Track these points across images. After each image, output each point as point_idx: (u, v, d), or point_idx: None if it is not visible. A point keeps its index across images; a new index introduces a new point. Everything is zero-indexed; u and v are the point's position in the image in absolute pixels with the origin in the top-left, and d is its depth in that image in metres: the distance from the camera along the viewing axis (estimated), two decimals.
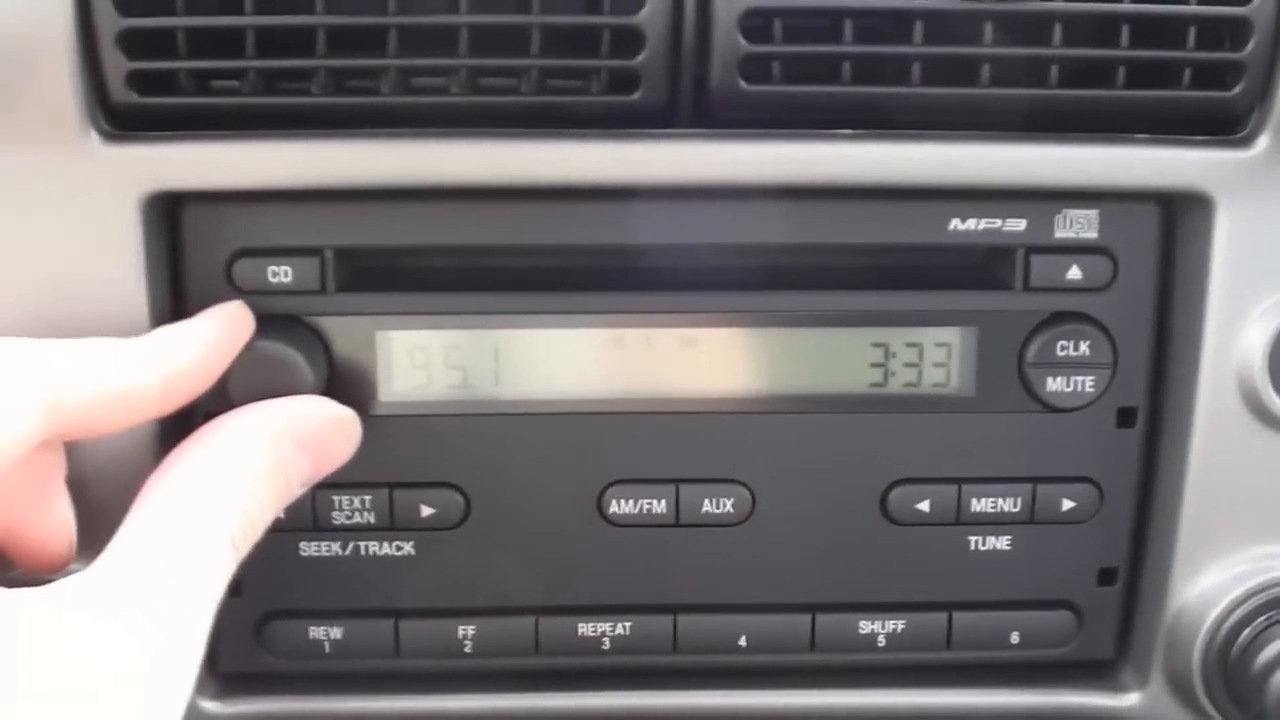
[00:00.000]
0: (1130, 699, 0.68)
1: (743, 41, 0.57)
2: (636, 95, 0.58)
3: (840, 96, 0.59)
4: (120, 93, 0.58)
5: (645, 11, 0.57)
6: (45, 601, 0.46)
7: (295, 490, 0.57)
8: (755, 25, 0.58)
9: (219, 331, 0.58)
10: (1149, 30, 0.59)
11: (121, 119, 0.59)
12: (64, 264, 0.59)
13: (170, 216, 0.61)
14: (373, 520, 0.64)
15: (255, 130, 0.59)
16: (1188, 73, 0.59)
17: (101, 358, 0.53)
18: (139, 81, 0.58)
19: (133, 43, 0.57)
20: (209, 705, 0.66)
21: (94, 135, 0.58)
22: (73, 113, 0.57)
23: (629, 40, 0.58)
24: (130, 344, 0.55)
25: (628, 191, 0.61)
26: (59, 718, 0.43)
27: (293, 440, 0.57)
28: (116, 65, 0.57)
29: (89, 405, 0.52)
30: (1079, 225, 0.63)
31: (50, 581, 0.49)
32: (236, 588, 0.64)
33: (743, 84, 0.58)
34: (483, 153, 0.59)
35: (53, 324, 0.59)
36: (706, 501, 0.64)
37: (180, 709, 0.48)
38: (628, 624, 0.66)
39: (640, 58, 0.57)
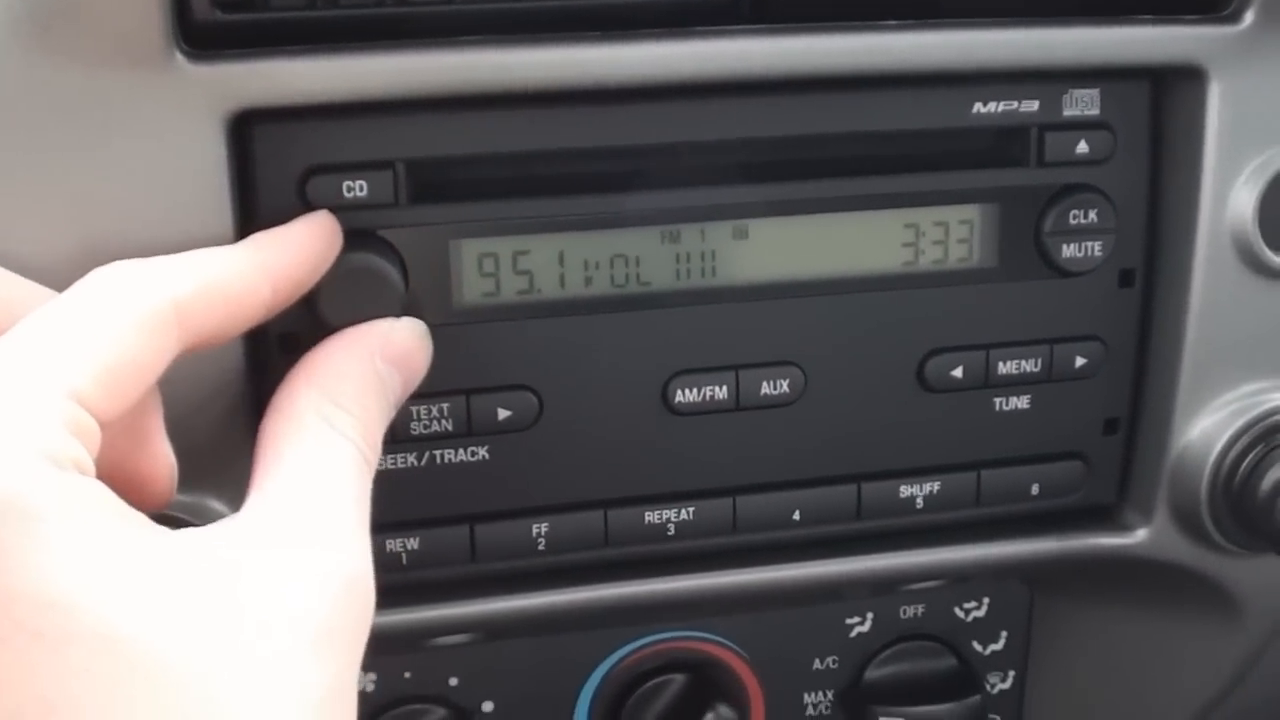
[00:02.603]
0: (1137, 536, 0.74)
1: None
2: None
3: None
4: (204, 10, 0.58)
5: None
6: (237, 543, 0.46)
7: (393, 410, 0.58)
8: None
9: (316, 234, 0.59)
10: None
11: (196, 38, 0.58)
12: (146, 186, 0.58)
13: (240, 136, 0.60)
14: (450, 427, 0.65)
15: (327, 44, 0.60)
16: None
17: (213, 263, 0.53)
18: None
19: None
20: None
21: (178, 56, 0.57)
22: (157, 33, 0.56)
23: None
24: (235, 249, 0.55)
25: (680, 90, 0.64)
26: (279, 649, 0.44)
27: (384, 358, 0.58)
28: None
29: (210, 312, 0.51)
30: (1083, 103, 0.68)
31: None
32: None
33: None
34: (553, 57, 0.61)
35: (137, 245, 0.58)
36: (764, 384, 0.68)
37: (369, 617, 0.49)
38: (691, 509, 0.69)
39: None
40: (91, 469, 0.44)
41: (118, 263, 0.50)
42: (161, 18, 0.56)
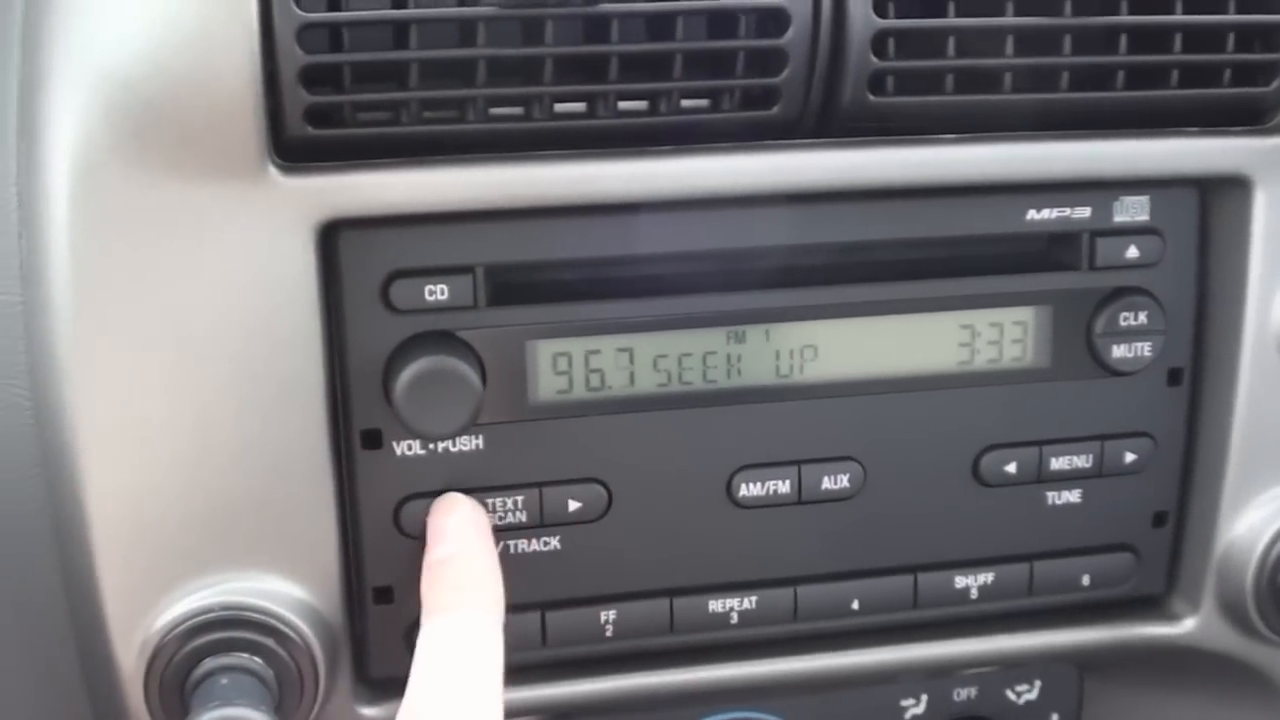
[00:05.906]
0: (1185, 626, 0.77)
1: (874, 58, 0.64)
2: (775, 110, 0.64)
3: (949, 105, 0.66)
4: (297, 126, 0.61)
5: (790, 34, 0.63)
6: None
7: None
8: (880, 43, 0.64)
9: None
10: (1196, 38, 0.68)
11: (287, 151, 0.62)
12: (239, 292, 0.62)
13: (327, 243, 0.64)
14: (524, 519, 0.68)
15: (411, 157, 0.63)
16: (1228, 73, 0.69)
17: None
18: (313, 115, 0.61)
19: (311, 78, 0.60)
20: (365, 711, 0.69)
21: (271, 169, 0.61)
22: (254, 147, 0.60)
23: (769, 60, 0.64)
24: None
25: (745, 199, 0.67)
26: None
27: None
28: (296, 100, 0.60)
29: None
30: (1133, 210, 0.71)
31: None
32: (388, 595, 0.68)
33: (870, 96, 0.65)
34: (627, 170, 0.65)
35: (229, 350, 0.62)
36: (825, 479, 0.71)
37: None
38: (753, 598, 0.72)
39: (783, 75, 0.63)
40: None
41: None
42: (258, 133, 0.60)
